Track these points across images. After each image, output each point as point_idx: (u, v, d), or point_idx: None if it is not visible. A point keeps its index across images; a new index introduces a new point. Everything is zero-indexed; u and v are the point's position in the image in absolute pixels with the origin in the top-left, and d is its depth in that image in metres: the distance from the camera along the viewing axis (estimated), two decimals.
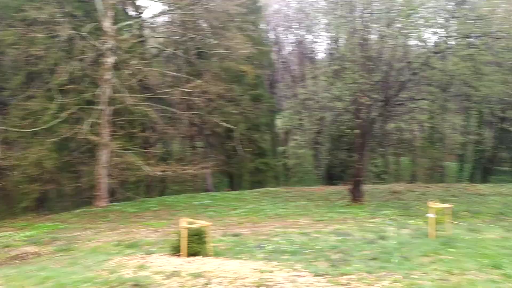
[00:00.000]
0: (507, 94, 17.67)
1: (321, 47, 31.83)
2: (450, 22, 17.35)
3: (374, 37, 17.81)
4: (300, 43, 33.71)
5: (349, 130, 18.51)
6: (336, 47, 21.05)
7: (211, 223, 9.39)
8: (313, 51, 34.03)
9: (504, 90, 17.40)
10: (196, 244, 8.41)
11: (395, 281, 6.77)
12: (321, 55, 33.40)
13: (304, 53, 34.03)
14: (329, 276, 7.07)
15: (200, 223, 8.89)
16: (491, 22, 16.36)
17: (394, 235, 11.20)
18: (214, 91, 21.45)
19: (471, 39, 16.70)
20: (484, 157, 33.92)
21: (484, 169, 33.96)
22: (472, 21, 16.39)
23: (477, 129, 30.98)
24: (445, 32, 18.02)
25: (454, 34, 17.62)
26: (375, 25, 17.16)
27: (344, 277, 7.03)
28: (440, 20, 17.59)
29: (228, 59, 23.42)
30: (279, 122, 30.40)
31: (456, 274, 7.11)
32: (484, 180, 32.02)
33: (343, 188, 21.49)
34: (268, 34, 34.31)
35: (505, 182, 30.43)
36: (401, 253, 8.78)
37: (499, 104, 20.16)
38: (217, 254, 8.77)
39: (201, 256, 8.25)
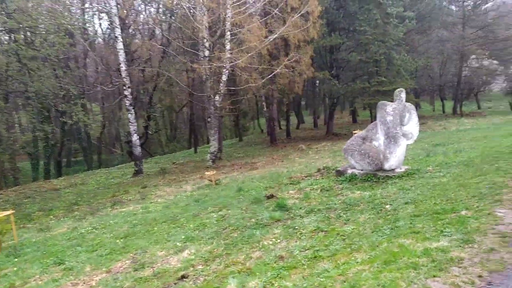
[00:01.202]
0: (60, 88, 18.23)
1: None
2: None
3: None
4: None
5: None
6: None
7: None
8: None
9: (57, 84, 17.81)
10: None
11: None
12: None
13: None
14: None
15: None
16: (33, 16, 16.06)
17: None
18: None
19: (14, 34, 15.93)
20: (56, 152, 34.39)
21: (58, 163, 34.56)
22: (14, 15, 15.54)
23: (43, 125, 30.84)
24: None
25: None
26: None
27: None
28: None
29: None
30: None
31: (18, 286, 6.54)
32: (59, 174, 32.60)
33: None
34: None
35: (79, 172, 32.18)
36: None
37: (56, 98, 20.54)
38: None
39: None
